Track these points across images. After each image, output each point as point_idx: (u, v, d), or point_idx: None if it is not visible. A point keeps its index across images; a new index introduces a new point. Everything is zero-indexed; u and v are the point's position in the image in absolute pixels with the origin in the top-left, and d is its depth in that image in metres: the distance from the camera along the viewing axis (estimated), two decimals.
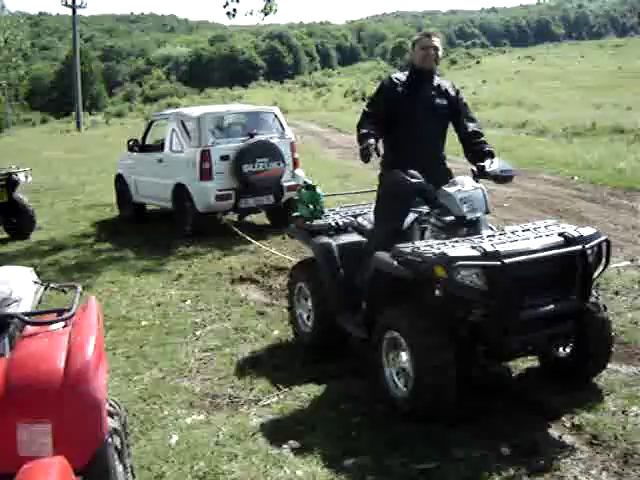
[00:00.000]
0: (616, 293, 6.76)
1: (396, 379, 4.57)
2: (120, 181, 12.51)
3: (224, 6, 12.51)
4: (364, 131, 5.04)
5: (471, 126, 5.27)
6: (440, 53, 5.19)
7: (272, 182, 10.34)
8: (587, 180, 13.82)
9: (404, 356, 4.45)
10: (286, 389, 5.01)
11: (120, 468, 2.78)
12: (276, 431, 4.40)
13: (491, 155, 5.09)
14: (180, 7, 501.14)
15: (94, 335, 2.64)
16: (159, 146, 11.55)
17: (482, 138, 5.24)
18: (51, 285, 3.29)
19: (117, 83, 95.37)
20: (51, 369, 2.46)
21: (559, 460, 3.89)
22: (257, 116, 11.60)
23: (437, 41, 5.18)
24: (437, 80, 5.27)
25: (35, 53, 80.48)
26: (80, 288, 3.13)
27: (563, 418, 4.38)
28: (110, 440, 2.56)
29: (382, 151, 5.18)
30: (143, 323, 6.72)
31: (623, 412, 4.40)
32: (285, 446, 4.20)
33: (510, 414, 4.44)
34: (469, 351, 4.50)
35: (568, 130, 23.53)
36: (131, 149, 12.14)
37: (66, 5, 44.84)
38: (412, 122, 5.07)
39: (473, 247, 4.24)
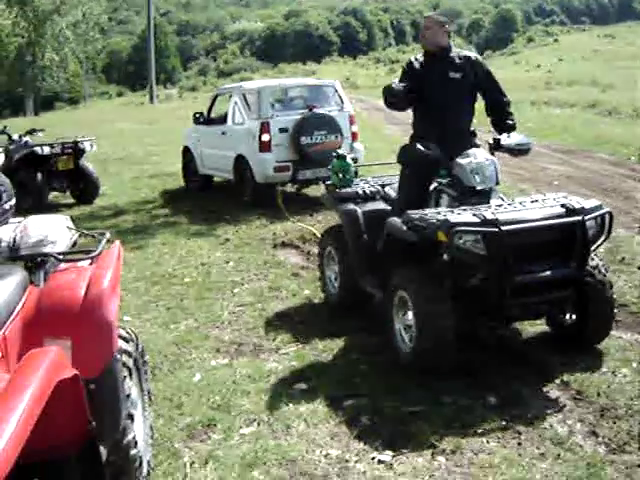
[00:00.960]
0: (639, 268, 6.96)
1: (404, 334, 4.89)
2: (187, 153, 12.91)
3: None
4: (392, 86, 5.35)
5: (497, 99, 5.61)
6: (436, 31, 5.46)
7: (329, 154, 10.55)
8: None
9: (410, 314, 4.77)
10: (305, 340, 5.48)
11: (132, 386, 3.28)
12: (288, 375, 4.89)
13: (512, 128, 5.42)
14: None
15: (111, 271, 3.13)
16: (223, 119, 11.87)
17: (507, 110, 5.57)
18: (83, 231, 3.82)
19: (192, 57, 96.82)
20: (73, 296, 2.96)
21: (540, 410, 4.24)
22: (317, 89, 11.85)
23: (436, 23, 5.53)
24: (454, 55, 5.54)
25: (112, 27, 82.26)
26: (108, 235, 3.64)
27: (554, 375, 4.71)
28: (119, 357, 3.06)
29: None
30: (186, 280, 7.29)
31: (612, 373, 4.69)
32: (294, 387, 4.69)
33: (505, 370, 4.78)
34: (472, 313, 4.82)
35: (638, 111, 23.21)
36: (197, 122, 12.50)
37: None
38: (429, 97, 5.42)
39: (474, 214, 4.51)
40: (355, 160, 9.58)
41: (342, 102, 11.17)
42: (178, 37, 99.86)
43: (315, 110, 10.65)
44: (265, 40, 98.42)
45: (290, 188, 11.28)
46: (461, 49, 5.75)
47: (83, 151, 11.69)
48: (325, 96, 11.46)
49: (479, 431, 4.01)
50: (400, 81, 5.51)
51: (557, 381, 4.64)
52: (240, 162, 10.91)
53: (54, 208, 11.16)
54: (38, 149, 11.27)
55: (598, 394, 4.39)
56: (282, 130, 10.50)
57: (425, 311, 4.55)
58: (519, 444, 3.86)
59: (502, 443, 3.89)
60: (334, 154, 6.39)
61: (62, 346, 2.71)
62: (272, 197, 10.47)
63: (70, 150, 11.54)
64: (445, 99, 5.40)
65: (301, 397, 4.53)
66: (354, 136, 11.13)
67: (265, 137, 10.42)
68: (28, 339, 2.85)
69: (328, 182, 6.38)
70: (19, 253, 3.35)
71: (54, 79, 45.96)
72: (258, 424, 4.19)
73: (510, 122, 5.49)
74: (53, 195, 12.15)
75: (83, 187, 11.95)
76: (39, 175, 11.14)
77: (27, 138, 11.59)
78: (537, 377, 4.71)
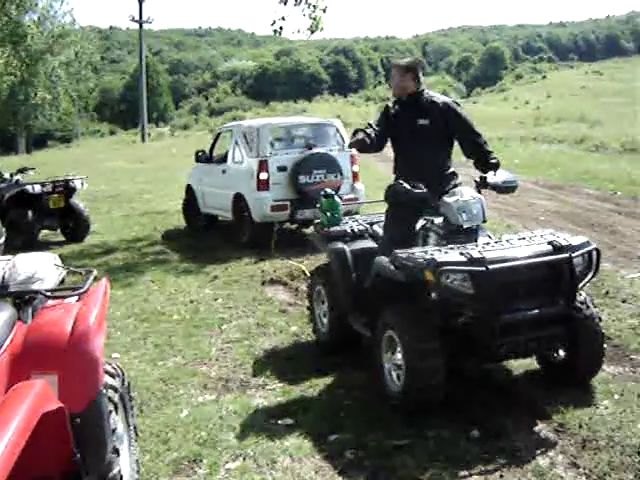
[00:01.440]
0: (623, 301, 7.04)
1: (392, 373, 4.85)
2: (189, 191, 12.85)
3: (271, 24, 13.11)
4: (356, 129, 5.53)
5: (473, 141, 5.57)
6: (401, 78, 5.51)
7: None
8: (629, 195, 13.99)
9: (399, 354, 4.73)
10: (291, 376, 5.53)
11: (118, 421, 3.33)
12: (274, 410, 4.94)
13: (496, 166, 5.40)
14: (247, 22, 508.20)
15: (98, 308, 3.20)
16: (224, 157, 11.81)
17: (486, 149, 5.53)
18: (71, 268, 3.89)
19: (184, 96, 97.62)
20: (60, 332, 3.03)
21: (522, 443, 4.29)
22: (318, 128, 11.74)
23: (399, 70, 5.56)
24: (425, 100, 5.54)
25: (105, 66, 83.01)
26: (95, 272, 3.71)
27: (537, 409, 4.78)
28: (105, 392, 3.12)
29: (368, 141, 5.41)
30: (175, 317, 7.34)
31: (594, 405, 4.75)
32: (280, 422, 4.73)
33: (487, 403, 4.84)
34: (461, 351, 4.77)
35: (625, 146, 23.54)
36: (199, 160, 12.49)
37: (133, 20, 46.42)
38: (400, 142, 5.60)
39: (461, 253, 4.49)
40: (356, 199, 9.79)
41: (343, 141, 11.01)
42: (170, 76, 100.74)
43: (315, 149, 10.63)
44: (256, 79, 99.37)
45: (289, 226, 11.26)
46: (433, 93, 5.70)
47: (74, 189, 11.81)
48: (326, 135, 11.41)
49: (462, 464, 4.05)
50: (377, 123, 5.59)
51: (539, 414, 4.70)
52: (238, 201, 10.84)
53: (45, 246, 11.23)
54: (29, 187, 11.39)
55: (580, 426, 4.45)
56: (281, 169, 10.46)
57: (414, 350, 4.54)
58: (501, 476, 3.92)
59: (485, 476, 3.93)
60: (322, 193, 6.37)
61: (49, 381, 2.78)
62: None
63: (61, 188, 11.66)
64: (414, 145, 5.46)
65: (287, 432, 4.58)
66: (355, 176, 11.07)
67: (263, 175, 10.39)
68: (15, 374, 2.91)
69: (317, 221, 6.38)
70: (8, 290, 3.41)
71: (46, 117, 46.23)
72: (244, 459, 4.23)
73: (493, 160, 5.45)
74: (44, 233, 12.23)
75: (74, 225, 12.04)
76: (30, 213, 11.23)
77: (18, 177, 11.72)
78: (519, 410, 4.77)
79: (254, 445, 4.39)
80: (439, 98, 5.67)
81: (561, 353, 5.05)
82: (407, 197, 5.18)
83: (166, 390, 5.36)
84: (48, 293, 3.40)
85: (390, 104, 5.73)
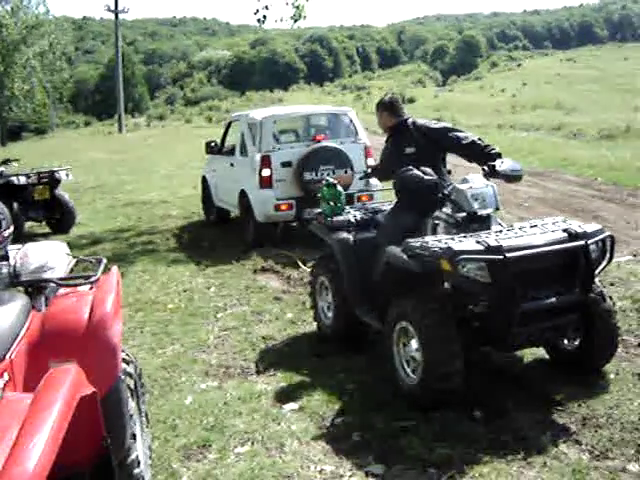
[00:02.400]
0: (611, 284, 7.16)
1: (406, 366, 4.75)
2: (205, 183, 12.22)
3: (255, 13, 13.11)
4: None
5: (465, 146, 5.54)
6: (380, 116, 5.89)
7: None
8: (609, 181, 14.17)
9: (414, 345, 4.63)
10: (292, 362, 5.61)
11: (134, 407, 3.37)
12: (278, 395, 5.01)
13: (499, 156, 5.37)
14: (222, 11, 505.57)
15: (113, 294, 3.24)
16: (232, 149, 11.11)
17: (482, 144, 5.52)
18: (81, 257, 3.92)
19: (159, 86, 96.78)
20: (77, 319, 3.06)
21: (524, 422, 4.39)
22: (328, 118, 10.95)
23: (376, 108, 5.97)
24: (410, 128, 5.71)
25: (79, 57, 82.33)
26: (105, 260, 3.73)
27: (536, 389, 4.89)
28: (123, 378, 3.16)
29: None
30: (170, 306, 7.37)
31: (591, 385, 4.86)
32: (285, 407, 4.80)
33: (488, 385, 4.94)
34: (476, 341, 4.75)
35: (602, 133, 23.77)
36: (209, 151, 11.81)
37: (109, 10, 46.00)
38: (391, 170, 5.72)
39: (478, 242, 4.41)
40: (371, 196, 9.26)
41: (356, 132, 10.21)
42: (145, 66, 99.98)
43: (323, 142, 9.78)
44: (232, 68, 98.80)
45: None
46: (415, 120, 5.81)
47: (59, 181, 11.76)
48: (338, 126, 10.55)
49: (467, 443, 4.14)
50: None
51: (539, 394, 4.81)
52: (243, 198, 10.12)
53: (30, 238, 11.17)
54: (14, 179, 11.31)
55: (579, 405, 4.56)
56: (285, 164, 9.64)
57: (432, 339, 4.43)
58: (506, 454, 4.00)
59: (490, 454, 4.02)
60: (324, 182, 6.28)
61: None
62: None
63: (46, 180, 11.60)
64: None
65: (292, 416, 4.66)
66: None
67: (265, 172, 9.60)
68: (33, 362, 2.94)
69: (318, 210, 6.26)
70: (20, 279, 3.44)
71: (21, 109, 45.77)
72: (252, 443, 4.29)
73: (495, 150, 5.45)
74: (29, 225, 12.16)
75: (59, 217, 11.99)
76: (15, 205, 11.14)
77: (2, 168, 11.62)
78: (520, 391, 4.88)
79: (261, 429, 4.45)
80: (422, 123, 5.77)
81: (573, 342, 5.02)
82: (419, 184, 5.18)
83: (168, 378, 5.40)
84: (61, 282, 3.44)
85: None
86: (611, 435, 4.15)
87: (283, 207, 9.58)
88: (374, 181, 9.92)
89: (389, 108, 5.83)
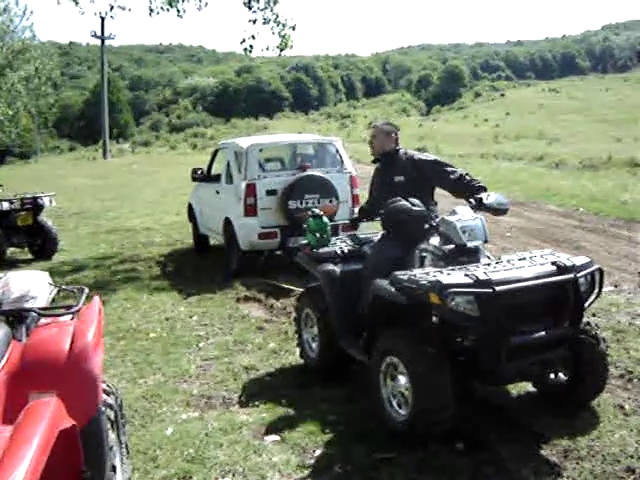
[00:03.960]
0: (593, 314, 7.20)
1: (392, 401, 4.69)
2: (190, 211, 12.30)
3: (241, 42, 13.22)
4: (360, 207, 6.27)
5: (453, 180, 5.55)
6: (382, 140, 5.90)
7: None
8: (591, 211, 14.30)
9: (402, 380, 4.56)
10: (274, 392, 5.58)
11: (114, 438, 3.35)
12: (260, 426, 4.98)
13: (484, 189, 5.37)
14: (208, 38, 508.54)
15: (94, 325, 3.23)
16: (218, 177, 11.12)
17: (468, 178, 5.52)
18: (63, 287, 3.90)
19: (144, 112, 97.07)
20: (57, 350, 3.04)
21: (506, 454, 4.38)
22: (314, 148, 10.99)
23: (374, 131, 6.03)
24: (400, 157, 5.81)
25: (65, 82, 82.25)
26: (87, 290, 3.72)
27: (518, 421, 4.89)
28: (104, 409, 3.14)
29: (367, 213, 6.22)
30: (151, 335, 7.33)
31: (573, 417, 4.87)
32: (266, 438, 4.78)
33: (470, 417, 4.91)
34: (464, 375, 4.67)
35: (584, 163, 24.03)
36: (195, 178, 11.78)
37: (95, 36, 46.17)
38: (381, 197, 5.71)
39: (466, 275, 4.35)
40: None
41: (342, 162, 10.29)
42: (130, 92, 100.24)
43: (309, 171, 9.83)
44: (217, 95, 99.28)
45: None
46: (406, 151, 5.89)
47: (42, 207, 11.73)
48: (324, 155, 10.59)
49: (449, 475, 4.13)
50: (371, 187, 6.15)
51: (520, 426, 4.80)
52: (228, 226, 10.09)
53: (12, 264, 11.12)
54: None
55: (561, 437, 4.56)
56: (270, 192, 9.63)
57: (422, 374, 4.38)
58: None
59: None
60: (309, 213, 6.24)
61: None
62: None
63: (30, 206, 11.58)
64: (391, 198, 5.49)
65: (274, 448, 4.63)
66: (355, 199, 10.11)
67: (250, 200, 9.58)
68: (12, 393, 2.91)
69: (304, 242, 6.20)
70: (1, 308, 3.42)
71: (5, 133, 45.60)
72: (233, 475, 4.26)
73: (480, 185, 5.45)
74: (11, 251, 12.09)
75: (42, 243, 11.94)
76: None
77: None
78: (501, 423, 4.87)
79: (242, 461, 4.42)
80: (412, 154, 5.84)
81: (561, 376, 4.99)
82: (407, 215, 5.17)
83: (149, 408, 5.36)
84: (42, 312, 3.42)
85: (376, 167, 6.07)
86: (592, 467, 4.16)
87: (268, 235, 9.57)
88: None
89: (390, 132, 5.89)
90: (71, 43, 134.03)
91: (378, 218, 5.74)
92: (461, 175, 5.56)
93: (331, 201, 9.63)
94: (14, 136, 47.79)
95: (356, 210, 9.86)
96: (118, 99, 78.96)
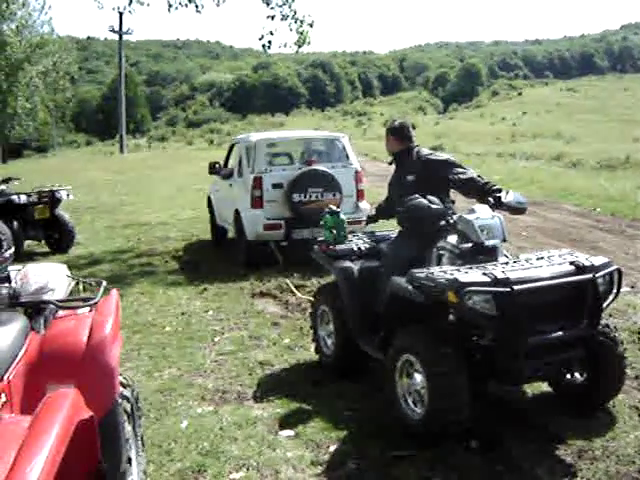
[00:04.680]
0: (610, 315, 7.16)
1: (408, 399, 4.68)
2: (210, 203, 12.66)
3: (259, 39, 13.26)
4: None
5: (463, 175, 5.48)
6: (387, 140, 5.92)
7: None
8: (608, 212, 14.23)
9: (418, 378, 4.55)
10: (288, 388, 5.59)
11: (130, 431, 3.37)
12: (274, 421, 4.99)
13: (500, 190, 5.28)
14: (225, 34, 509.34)
15: (112, 317, 3.25)
16: (232, 170, 11.47)
17: (482, 180, 5.45)
18: (81, 279, 3.93)
19: (161, 108, 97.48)
20: (76, 342, 3.07)
21: (520, 452, 4.38)
22: (322, 143, 11.37)
23: (385, 132, 6.00)
24: (413, 157, 5.75)
25: (82, 76, 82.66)
26: (104, 283, 3.75)
27: (532, 420, 4.89)
28: (120, 401, 3.16)
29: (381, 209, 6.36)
30: (167, 329, 7.36)
31: (587, 417, 4.86)
32: (280, 433, 4.79)
33: (484, 416, 4.90)
34: (481, 374, 4.65)
35: (601, 163, 23.92)
36: (212, 172, 12.17)
37: (113, 31, 46.36)
38: (395, 196, 5.77)
39: (484, 273, 4.34)
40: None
41: (348, 158, 10.61)
42: (147, 87, 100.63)
43: (314, 166, 10.14)
44: (234, 91, 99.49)
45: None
46: (421, 149, 5.85)
47: (59, 200, 11.80)
48: (330, 151, 10.98)
49: (462, 473, 4.13)
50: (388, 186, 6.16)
51: (534, 425, 4.80)
52: (237, 217, 10.44)
53: (29, 257, 11.19)
54: (15, 198, 11.33)
55: (576, 437, 4.55)
56: (276, 186, 10.01)
57: (439, 373, 4.35)
58: None
59: None
60: (327, 210, 6.20)
61: None
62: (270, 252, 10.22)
63: (47, 199, 11.64)
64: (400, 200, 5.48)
65: (288, 443, 4.64)
66: (360, 194, 10.44)
67: (257, 192, 9.99)
68: (31, 384, 2.94)
69: (320, 239, 6.19)
70: (19, 300, 3.44)
71: (23, 127, 45.89)
72: (247, 469, 4.27)
73: (495, 186, 5.38)
74: (27, 244, 12.16)
75: (59, 236, 12.01)
76: (15, 224, 11.15)
77: (3, 186, 11.65)
78: (516, 423, 4.87)
79: (257, 455, 4.43)
80: (425, 153, 5.80)
81: (577, 376, 4.96)
82: (427, 212, 5.14)
83: (164, 401, 5.38)
84: (60, 304, 3.44)
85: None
86: (607, 468, 4.14)
87: (272, 227, 9.96)
88: (364, 205, 10.34)
89: (397, 133, 5.86)
90: (89, 38, 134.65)
91: (395, 215, 5.75)
92: (473, 177, 5.48)
93: (334, 195, 9.90)
94: (32, 130, 48.20)
95: (361, 205, 10.32)
96: (135, 94, 79.25)
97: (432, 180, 5.54)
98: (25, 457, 1.93)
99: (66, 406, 2.18)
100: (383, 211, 6.35)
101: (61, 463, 2.08)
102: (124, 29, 46.47)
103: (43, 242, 12.25)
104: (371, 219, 6.69)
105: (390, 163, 6.05)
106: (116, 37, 47.90)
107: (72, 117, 77.17)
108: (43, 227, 11.84)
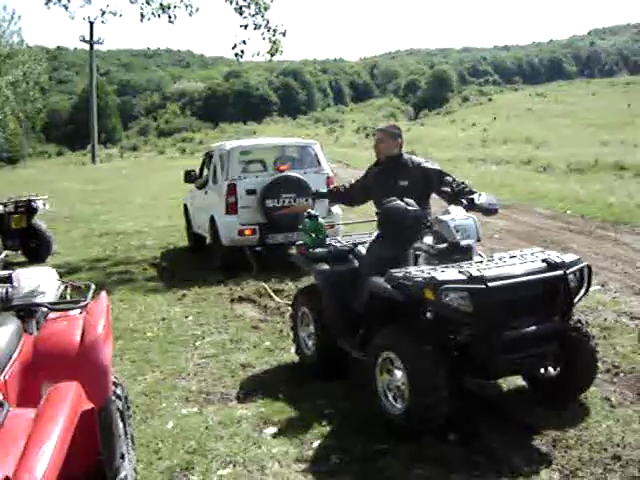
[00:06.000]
0: (581, 312, 7.38)
1: (389, 395, 4.81)
2: (186, 211, 12.93)
3: (232, 48, 13.38)
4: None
5: (453, 183, 5.60)
6: (388, 143, 5.88)
7: (298, 218, 9.21)
8: (578, 214, 14.51)
9: (398, 375, 4.68)
10: (271, 388, 5.71)
11: (122, 428, 3.48)
12: (258, 420, 5.12)
13: (472, 192, 5.45)
14: (196, 43, 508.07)
15: (103, 318, 3.36)
16: (207, 179, 11.68)
17: (457, 182, 5.61)
18: (71, 283, 4.04)
19: (132, 117, 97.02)
20: (69, 342, 3.18)
21: (497, 444, 4.54)
22: (294, 150, 11.64)
23: (381, 135, 6.02)
24: (406, 162, 5.84)
25: (52, 86, 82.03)
26: (93, 286, 3.86)
27: (508, 411, 5.08)
28: (113, 398, 3.27)
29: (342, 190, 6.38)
30: (148, 334, 7.45)
31: (561, 409, 5.04)
32: (265, 431, 4.92)
33: (462, 409, 5.06)
34: (458, 369, 4.80)
35: (571, 166, 24.24)
36: (187, 180, 12.44)
37: (83, 41, 46.19)
38: (378, 200, 5.69)
39: (460, 272, 4.52)
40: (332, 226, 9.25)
41: (319, 163, 10.88)
42: (118, 97, 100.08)
43: (286, 172, 10.40)
44: (205, 100, 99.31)
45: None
46: (410, 156, 6.01)
47: (36, 210, 11.84)
48: (303, 157, 11.23)
49: (443, 464, 4.29)
50: (358, 179, 6.18)
51: (510, 417, 4.98)
52: (213, 224, 10.68)
53: (6, 267, 11.16)
54: None
55: (550, 427, 4.72)
56: (250, 192, 10.26)
57: (418, 369, 4.50)
58: (480, 474, 4.15)
59: (464, 474, 4.17)
60: (305, 214, 6.35)
61: None
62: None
63: (23, 209, 11.67)
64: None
65: (272, 440, 4.77)
66: None
67: (231, 199, 10.24)
68: (26, 383, 3.05)
69: (300, 242, 6.36)
70: (11, 303, 3.55)
71: None
72: (234, 466, 4.40)
73: (468, 187, 5.56)
74: (5, 254, 12.12)
75: (36, 246, 12.03)
76: None
77: None
78: (493, 415, 5.04)
79: (243, 453, 4.56)
80: (420, 160, 5.95)
81: (551, 370, 5.12)
82: (404, 215, 5.26)
83: (149, 403, 5.49)
84: (52, 306, 3.55)
85: (374, 165, 6.09)
86: (580, 455, 4.33)
87: (247, 232, 10.20)
88: (336, 209, 10.53)
89: (397, 137, 5.93)
90: (59, 47, 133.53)
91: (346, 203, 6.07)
92: (459, 184, 5.64)
93: (307, 200, 9.99)
94: (2, 141, 47.77)
95: (333, 209, 10.44)
96: (106, 104, 78.84)
97: (423, 187, 5.72)
98: (34, 445, 2.04)
99: (70, 397, 2.30)
100: (338, 195, 6.49)
101: (67, 453, 2.19)
102: (95, 39, 46.29)
103: (20, 252, 12.25)
104: (321, 195, 6.89)
105: (376, 164, 6.07)
106: (86, 47, 47.75)
107: (43, 128, 76.54)
108: (20, 237, 11.86)
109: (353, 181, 6.32)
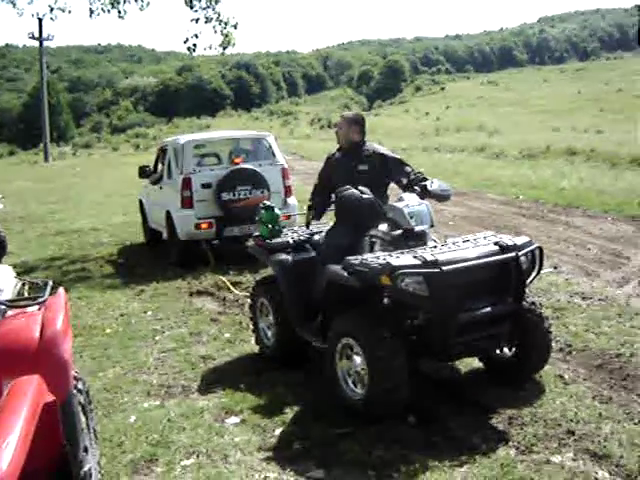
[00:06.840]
0: (535, 294, 7.54)
1: (348, 380, 4.90)
2: (141, 206, 12.93)
3: (184, 42, 13.33)
4: (309, 203, 6.16)
5: (406, 172, 5.72)
6: (348, 129, 5.92)
7: (254, 211, 9.18)
8: (530, 199, 14.78)
9: (358, 360, 4.76)
10: (232, 379, 5.77)
11: (84, 422, 3.50)
12: (220, 410, 5.17)
13: (426, 179, 5.55)
14: (147, 38, 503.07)
15: (62, 314, 3.37)
16: (162, 174, 11.60)
17: (416, 171, 5.71)
18: (27, 280, 4.03)
19: (85, 114, 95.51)
20: (28, 338, 3.18)
21: (455, 424, 4.67)
22: (248, 142, 11.66)
23: (340, 121, 6.09)
24: (367, 149, 5.92)
25: (2, 85, 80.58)
26: (51, 282, 3.86)
27: (464, 393, 5.20)
28: (75, 392, 3.30)
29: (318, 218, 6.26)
30: (107, 331, 7.44)
31: (515, 387, 5.18)
32: (227, 421, 4.98)
33: (420, 392, 5.17)
34: (416, 352, 4.89)
35: (523, 153, 24.61)
36: (142, 175, 12.38)
37: (33, 38, 45.41)
38: (339, 184, 5.72)
39: (415, 257, 4.62)
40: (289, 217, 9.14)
41: (274, 155, 10.91)
42: (70, 94, 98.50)
43: (241, 164, 10.41)
44: (158, 95, 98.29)
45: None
46: (372, 144, 6.09)
47: None
48: (257, 149, 11.27)
49: (403, 445, 4.39)
50: (319, 174, 6.19)
51: (467, 398, 5.12)
52: (169, 218, 10.67)
53: None
54: None
55: (506, 406, 4.86)
56: (205, 186, 10.26)
57: (377, 354, 4.55)
58: (439, 454, 4.26)
59: (424, 454, 4.27)
60: (261, 205, 6.39)
61: None
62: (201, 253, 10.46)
63: None
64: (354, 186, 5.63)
65: (235, 429, 4.83)
66: (287, 190, 10.79)
67: (186, 193, 10.22)
68: None
69: (256, 233, 6.41)
70: None
71: None
72: (197, 456, 4.44)
73: (421, 175, 5.65)
74: None
75: None
76: None
77: None
78: (450, 397, 5.17)
79: (205, 443, 4.61)
80: (381, 149, 6.02)
81: (506, 351, 5.27)
82: (357, 202, 5.38)
83: (111, 399, 5.50)
84: (10, 304, 3.55)
85: (332, 154, 6.15)
86: (536, 431, 4.47)
87: (203, 226, 10.21)
88: (292, 201, 10.65)
89: (360, 123, 5.99)
90: (7, 45, 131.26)
91: (330, 208, 5.97)
92: (412, 170, 5.74)
93: (262, 192, 10.19)
94: None
95: (289, 200, 10.63)
96: (57, 101, 77.49)
97: (381, 173, 5.81)
98: None
99: (31, 391, 2.32)
100: (320, 204, 6.25)
101: (30, 445, 2.22)
102: (44, 35, 45.53)
103: None
104: (308, 224, 6.41)
105: (339, 150, 6.09)
106: (36, 44, 46.93)
107: None
108: None
109: (317, 181, 6.27)
